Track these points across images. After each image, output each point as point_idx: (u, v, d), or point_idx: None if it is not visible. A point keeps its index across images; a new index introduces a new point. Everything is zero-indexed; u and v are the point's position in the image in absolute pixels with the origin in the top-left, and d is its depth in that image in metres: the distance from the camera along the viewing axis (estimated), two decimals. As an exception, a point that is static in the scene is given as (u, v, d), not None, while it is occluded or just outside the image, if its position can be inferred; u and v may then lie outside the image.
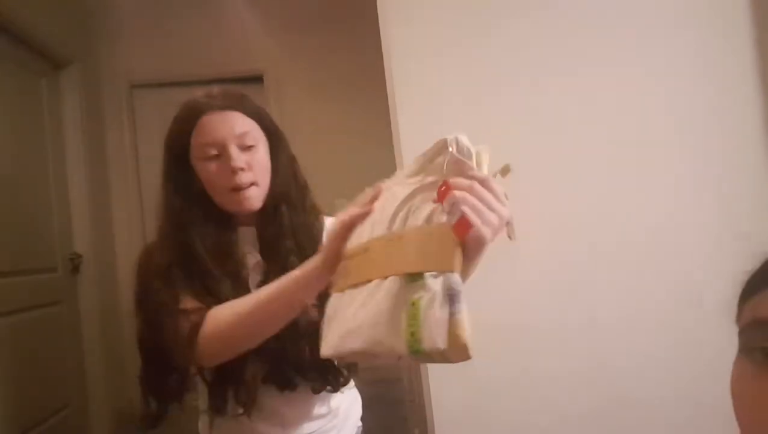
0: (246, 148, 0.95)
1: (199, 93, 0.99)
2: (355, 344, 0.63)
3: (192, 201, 0.96)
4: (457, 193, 0.60)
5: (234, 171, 0.93)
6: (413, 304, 0.57)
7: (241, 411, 0.95)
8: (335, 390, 1.02)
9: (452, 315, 0.55)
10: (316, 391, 1.00)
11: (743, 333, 0.44)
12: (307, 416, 1.03)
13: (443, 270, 0.58)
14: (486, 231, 0.59)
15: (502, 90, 1.47)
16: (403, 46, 1.47)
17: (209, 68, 3.50)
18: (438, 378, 1.42)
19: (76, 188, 3.03)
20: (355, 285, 0.67)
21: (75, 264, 2.94)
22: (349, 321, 0.65)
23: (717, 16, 1.48)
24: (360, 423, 1.15)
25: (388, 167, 1.72)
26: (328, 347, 0.68)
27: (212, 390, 0.98)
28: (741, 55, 1.47)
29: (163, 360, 0.93)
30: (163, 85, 3.58)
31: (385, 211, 0.70)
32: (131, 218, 3.48)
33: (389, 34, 1.48)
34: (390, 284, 0.62)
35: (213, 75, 3.48)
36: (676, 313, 1.40)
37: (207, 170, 0.95)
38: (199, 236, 0.95)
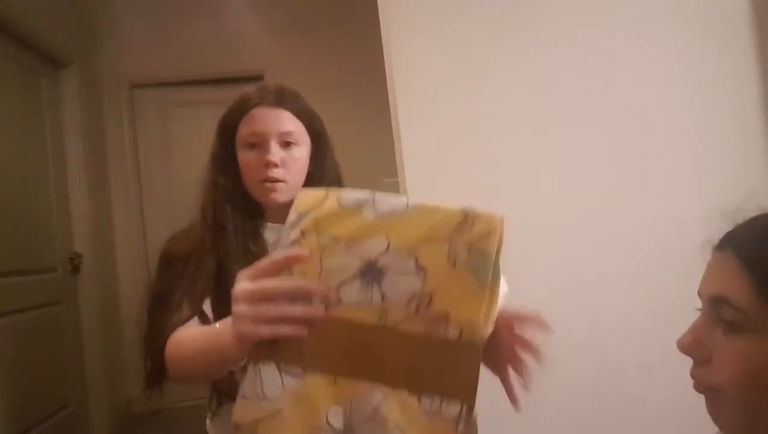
0: (286, 145, 1.01)
1: (252, 87, 1.04)
2: None
3: (232, 182, 1.03)
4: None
5: (268, 164, 0.98)
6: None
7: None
8: None
9: None
10: None
11: None
12: None
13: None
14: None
15: (502, 89, 1.47)
16: (403, 46, 1.47)
17: (209, 68, 3.51)
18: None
19: (76, 188, 3.02)
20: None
21: (75, 264, 2.94)
22: None
23: (717, 17, 1.48)
24: None
25: (388, 166, 1.72)
26: None
27: None
28: (741, 55, 1.47)
29: (164, 319, 0.96)
30: (163, 85, 3.58)
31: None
32: (131, 218, 3.48)
33: (390, 34, 1.48)
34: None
35: (213, 75, 3.49)
36: (680, 317, 1.40)
37: (245, 158, 1.01)
38: (233, 213, 1.01)
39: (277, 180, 0.99)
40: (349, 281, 0.56)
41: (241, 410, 0.57)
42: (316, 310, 0.56)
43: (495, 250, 0.55)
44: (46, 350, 2.60)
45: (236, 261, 0.96)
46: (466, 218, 0.55)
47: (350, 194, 0.58)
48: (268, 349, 0.56)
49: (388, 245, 0.56)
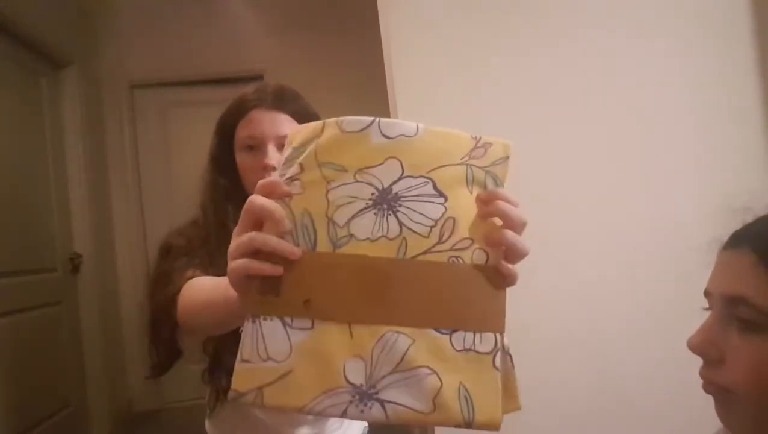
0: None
1: (251, 87, 1.03)
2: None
3: (231, 182, 1.02)
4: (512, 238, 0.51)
5: (266, 168, 0.97)
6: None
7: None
8: None
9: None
10: None
11: None
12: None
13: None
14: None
15: (502, 89, 1.47)
16: (403, 45, 1.47)
17: (209, 68, 3.51)
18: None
19: (76, 188, 3.02)
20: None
21: (75, 264, 2.94)
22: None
23: (717, 17, 1.48)
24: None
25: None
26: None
27: (213, 363, 0.97)
28: (741, 55, 1.47)
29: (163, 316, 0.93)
30: (163, 85, 3.58)
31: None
32: (131, 218, 3.48)
33: (389, 34, 1.48)
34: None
35: (213, 75, 3.49)
36: (680, 317, 1.40)
37: (243, 160, 1.00)
38: (234, 212, 0.99)
39: None
40: (360, 213, 0.49)
41: (243, 376, 0.48)
42: (289, 248, 0.49)
43: (506, 175, 0.54)
44: (46, 350, 2.60)
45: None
46: (478, 143, 0.52)
47: (352, 118, 0.51)
48: (268, 302, 0.49)
49: (403, 170, 0.50)
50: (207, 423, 1.07)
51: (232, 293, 0.55)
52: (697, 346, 0.54)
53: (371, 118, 0.51)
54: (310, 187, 0.50)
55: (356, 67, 3.35)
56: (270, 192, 0.51)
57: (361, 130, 0.50)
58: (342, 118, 0.51)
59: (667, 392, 1.39)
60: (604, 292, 1.43)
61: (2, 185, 2.40)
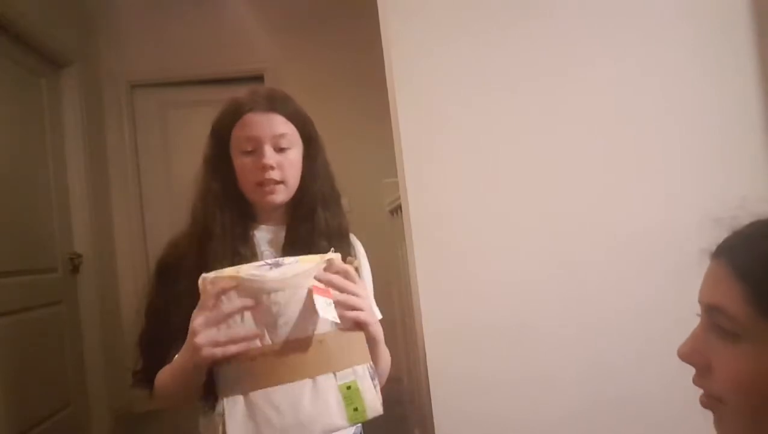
0: (280, 149, 1.03)
1: (244, 91, 1.06)
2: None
3: (225, 185, 1.05)
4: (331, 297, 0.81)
5: (264, 168, 1.00)
6: (349, 388, 0.79)
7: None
8: None
9: (376, 387, 0.82)
10: None
11: None
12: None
13: (366, 363, 0.83)
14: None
15: (502, 89, 1.47)
16: (403, 45, 1.47)
17: (209, 68, 3.51)
18: (438, 378, 1.42)
19: (76, 188, 3.02)
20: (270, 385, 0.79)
21: (75, 264, 2.94)
22: (295, 416, 0.78)
23: (717, 15, 1.48)
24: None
25: (388, 167, 1.72)
26: None
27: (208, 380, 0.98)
28: (741, 54, 1.47)
29: (158, 329, 1.05)
30: (163, 85, 3.58)
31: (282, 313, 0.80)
32: (131, 218, 3.48)
33: (390, 34, 1.48)
34: (323, 380, 0.80)
35: (213, 75, 3.50)
36: (673, 313, 1.40)
37: (241, 162, 1.03)
38: (223, 215, 1.03)
39: (276, 182, 1.02)
40: None
41: None
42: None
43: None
44: (46, 350, 2.60)
45: (222, 265, 0.98)
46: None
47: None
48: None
49: None
50: (201, 421, 1.08)
51: (189, 374, 0.85)
52: (685, 355, 0.55)
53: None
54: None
55: (356, 67, 3.36)
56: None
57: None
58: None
59: (662, 389, 1.39)
60: (600, 291, 1.44)
61: (2, 185, 2.40)
